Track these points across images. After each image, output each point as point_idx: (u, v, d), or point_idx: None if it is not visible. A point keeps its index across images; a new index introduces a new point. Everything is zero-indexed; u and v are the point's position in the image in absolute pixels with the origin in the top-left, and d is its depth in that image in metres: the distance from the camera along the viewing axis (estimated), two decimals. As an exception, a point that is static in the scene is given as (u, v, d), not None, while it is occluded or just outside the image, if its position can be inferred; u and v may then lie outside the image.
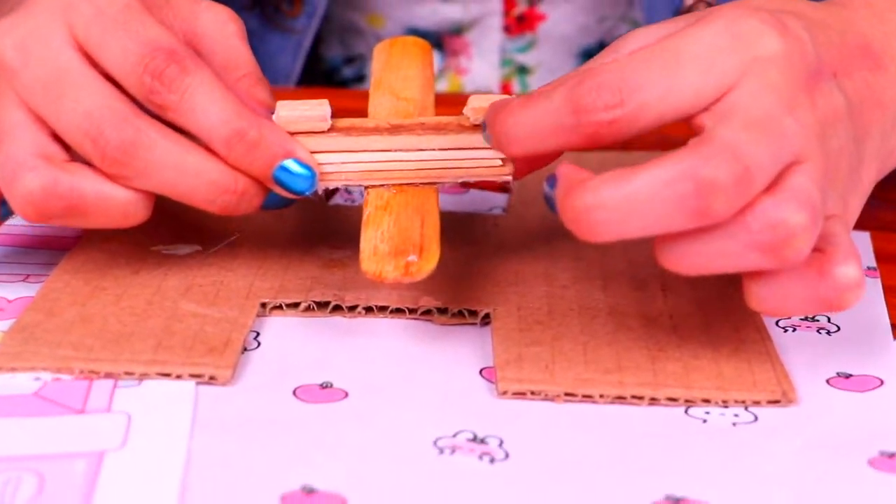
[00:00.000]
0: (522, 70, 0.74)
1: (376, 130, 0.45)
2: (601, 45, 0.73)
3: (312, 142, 0.45)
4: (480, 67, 0.74)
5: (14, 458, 0.36)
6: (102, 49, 0.43)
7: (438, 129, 0.45)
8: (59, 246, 0.50)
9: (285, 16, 0.72)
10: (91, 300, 0.45)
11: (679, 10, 0.69)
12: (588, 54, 0.74)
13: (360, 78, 0.76)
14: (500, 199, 0.57)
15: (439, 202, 0.45)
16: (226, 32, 0.47)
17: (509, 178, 0.46)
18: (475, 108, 0.45)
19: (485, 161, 0.45)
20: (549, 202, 0.40)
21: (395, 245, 0.42)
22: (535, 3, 0.72)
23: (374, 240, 0.42)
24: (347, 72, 0.77)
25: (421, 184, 0.45)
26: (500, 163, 0.45)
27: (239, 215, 0.44)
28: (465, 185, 0.59)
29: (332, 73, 0.77)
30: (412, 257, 0.41)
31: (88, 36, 0.43)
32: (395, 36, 0.73)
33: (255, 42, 0.74)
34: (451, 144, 0.45)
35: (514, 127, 0.41)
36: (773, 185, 0.38)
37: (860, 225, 0.50)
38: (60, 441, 0.37)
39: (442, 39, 0.74)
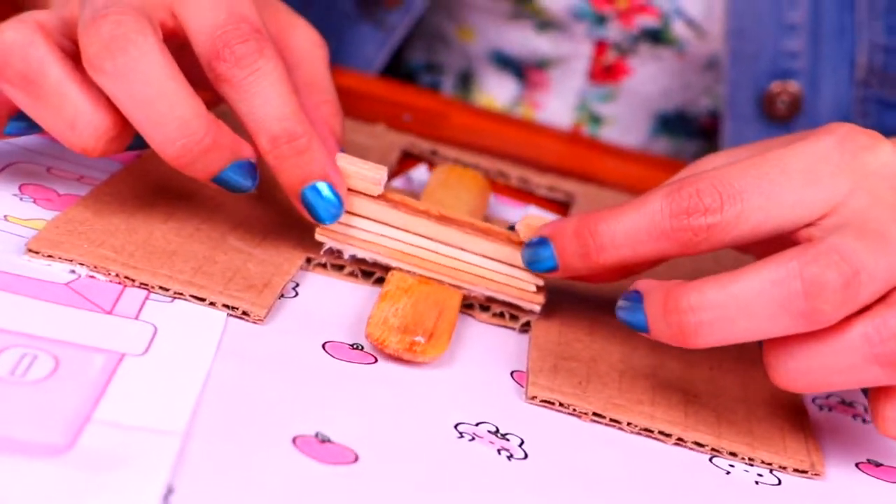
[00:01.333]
0: (596, 119, 0.73)
1: (424, 214, 0.43)
2: (679, 114, 0.72)
3: (357, 203, 0.43)
4: (556, 106, 0.73)
5: (32, 337, 0.35)
6: (191, 3, 0.41)
7: (486, 234, 0.43)
8: (119, 158, 0.49)
9: (382, 7, 0.72)
10: (140, 212, 0.44)
11: (762, 94, 0.68)
12: (664, 119, 0.73)
13: (436, 87, 0.76)
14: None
15: (460, 307, 0.43)
16: (315, 54, 0.46)
17: (537, 308, 0.44)
18: (528, 225, 0.42)
19: (520, 283, 0.43)
20: (631, 315, 0.39)
21: (405, 323, 0.41)
22: (625, 55, 0.71)
23: (386, 311, 0.41)
24: (426, 78, 0.76)
25: (449, 284, 0.44)
26: (534, 289, 0.43)
27: (188, 174, 0.41)
28: (524, 198, 0.58)
29: (410, 75, 0.77)
30: (419, 338, 0.40)
31: None
32: (482, 56, 0.73)
33: (346, 26, 0.74)
34: (493, 255, 0.43)
35: (607, 233, 0.39)
36: (887, 298, 0.37)
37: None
38: (82, 333, 0.36)
39: (524, 70, 0.73)
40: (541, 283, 0.43)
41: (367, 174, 0.43)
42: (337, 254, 0.44)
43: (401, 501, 0.33)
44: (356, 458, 0.34)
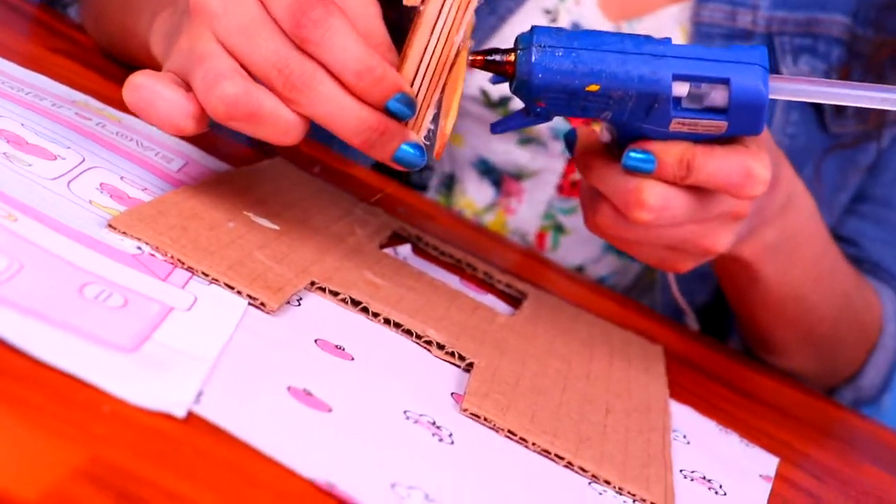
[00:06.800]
0: (559, 228, 0.86)
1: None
2: None
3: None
4: (526, 212, 0.86)
5: (109, 281, 0.48)
6: None
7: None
8: (174, 182, 0.61)
9: None
10: (191, 220, 0.56)
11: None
12: None
13: (424, 187, 0.89)
14: (509, 309, 0.69)
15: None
16: (368, 11, 0.57)
17: None
18: None
19: None
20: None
21: None
22: None
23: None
24: (414, 177, 0.89)
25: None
26: None
27: (376, 157, 0.55)
28: (485, 288, 0.71)
29: (401, 172, 0.90)
30: None
31: None
32: (467, 162, 0.86)
33: None
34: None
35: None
36: None
37: (777, 452, 0.63)
38: (143, 287, 0.48)
39: (502, 178, 0.86)
40: None
41: None
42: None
43: (356, 446, 0.45)
44: (330, 410, 0.46)
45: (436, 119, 0.57)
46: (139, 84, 0.54)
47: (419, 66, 0.56)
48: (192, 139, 0.69)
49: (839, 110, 0.85)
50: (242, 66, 0.54)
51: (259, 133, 0.54)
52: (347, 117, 0.54)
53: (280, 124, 0.54)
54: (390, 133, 0.55)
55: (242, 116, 0.53)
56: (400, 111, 0.54)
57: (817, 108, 0.85)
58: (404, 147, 0.55)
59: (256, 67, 0.53)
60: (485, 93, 0.84)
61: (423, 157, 0.55)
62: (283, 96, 0.53)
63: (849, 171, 0.88)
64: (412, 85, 0.56)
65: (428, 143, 0.56)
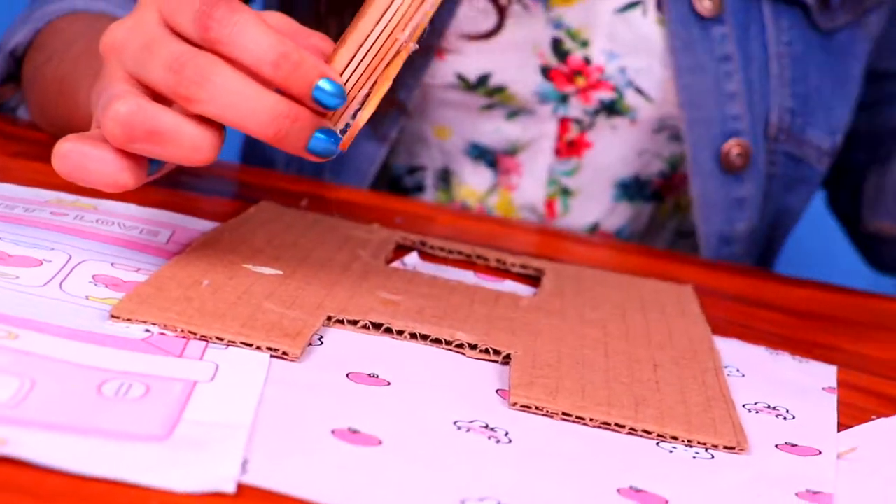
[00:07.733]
0: (566, 192, 0.85)
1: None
2: (635, 179, 0.84)
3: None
4: (529, 185, 0.85)
5: (126, 373, 0.46)
6: (173, 12, 0.51)
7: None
8: (166, 256, 0.60)
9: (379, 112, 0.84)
10: (192, 289, 0.55)
11: (718, 153, 0.80)
12: (622, 185, 0.84)
13: (420, 188, 0.87)
14: (530, 290, 0.67)
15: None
16: (286, 19, 0.55)
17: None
18: None
19: None
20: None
21: None
22: (585, 130, 0.83)
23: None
24: (409, 181, 0.88)
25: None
26: None
27: (289, 149, 0.51)
28: (501, 275, 0.69)
29: (395, 180, 0.88)
30: None
31: (166, 5, 0.51)
32: (458, 151, 0.84)
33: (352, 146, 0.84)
34: None
35: None
36: None
37: (832, 360, 0.62)
38: (162, 369, 0.47)
39: (497, 158, 0.85)
40: None
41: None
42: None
43: (415, 472, 0.43)
44: (380, 442, 0.45)
45: (355, 115, 0.54)
46: (66, 151, 0.51)
47: (355, 55, 0.53)
48: (172, 206, 0.68)
49: (822, 5, 0.83)
50: (145, 86, 0.51)
51: (166, 153, 0.51)
52: (254, 107, 0.50)
53: (184, 140, 0.51)
54: (304, 120, 0.51)
55: (140, 136, 0.50)
56: (325, 100, 0.51)
57: (804, 9, 0.83)
58: (318, 135, 0.52)
59: (154, 79, 0.51)
60: (461, 77, 0.82)
61: (336, 145, 0.53)
62: (182, 98, 0.50)
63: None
64: (342, 74, 0.53)
65: (341, 138, 0.54)
